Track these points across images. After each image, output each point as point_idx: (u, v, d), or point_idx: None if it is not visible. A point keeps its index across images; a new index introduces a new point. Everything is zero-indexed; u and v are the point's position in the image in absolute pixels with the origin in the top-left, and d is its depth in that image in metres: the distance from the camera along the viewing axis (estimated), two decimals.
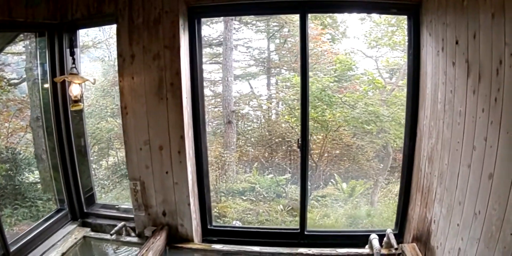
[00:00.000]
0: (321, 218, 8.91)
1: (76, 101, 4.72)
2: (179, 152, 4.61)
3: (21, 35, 5.58)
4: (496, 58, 2.52)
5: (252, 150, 10.97)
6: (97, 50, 10.67)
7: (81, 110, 5.31)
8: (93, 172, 6.03)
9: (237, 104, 11.48)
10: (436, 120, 3.69)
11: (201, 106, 4.85)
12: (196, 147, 4.90)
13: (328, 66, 10.24)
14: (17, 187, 6.58)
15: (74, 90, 4.66)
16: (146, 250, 4.28)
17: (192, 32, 4.66)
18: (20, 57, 6.92)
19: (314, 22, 10.44)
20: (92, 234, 5.25)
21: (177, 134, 4.57)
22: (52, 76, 5.06)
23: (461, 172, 3.10)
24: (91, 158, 6.40)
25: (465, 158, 3.01)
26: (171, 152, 4.64)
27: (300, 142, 4.69)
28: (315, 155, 10.32)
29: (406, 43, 4.57)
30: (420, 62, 4.15)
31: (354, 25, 10.64)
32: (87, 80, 4.71)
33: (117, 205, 5.58)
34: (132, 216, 5.09)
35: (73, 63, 4.77)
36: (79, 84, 4.67)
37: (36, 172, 6.97)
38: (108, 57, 10.68)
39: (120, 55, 4.61)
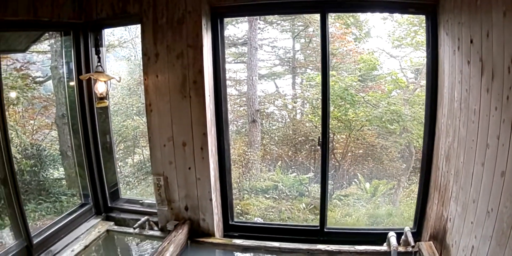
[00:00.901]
0: (342, 217, 8.91)
1: (102, 99, 4.81)
2: (202, 148, 4.70)
3: (46, 34, 5.67)
4: (508, 57, 2.55)
5: (276, 149, 10.98)
6: (123, 49, 10.79)
7: (107, 108, 5.41)
8: (118, 169, 6.13)
9: (262, 103, 11.50)
10: (453, 119, 3.71)
11: (224, 104, 4.92)
12: (219, 144, 4.98)
13: (353, 66, 10.24)
14: (41, 182, 6.70)
15: (99, 87, 4.75)
16: (168, 243, 4.38)
17: (215, 32, 4.73)
18: (45, 55, 7.04)
19: (338, 21, 10.45)
20: (116, 227, 5.36)
21: (200, 131, 4.66)
22: (78, 74, 5.16)
23: (475, 170, 3.12)
24: (117, 156, 6.49)
25: (479, 157, 3.03)
26: (194, 148, 4.73)
27: (321, 140, 4.75)
28: (338, 155, 10.31)
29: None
30: (438, 61, 4.17)
31: (377, 24, 10.67)
32: (113, 78, 4.80)
33: (141, 200, 5.67)
34: (155, 210, 5.19)
35: (99, 61, 4.85)
36: (104, 82, 4.76)
37: (61, 168, 7.08)
38: (134, 56, 10.78)
39: (144, 54, 4.72)
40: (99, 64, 4.82)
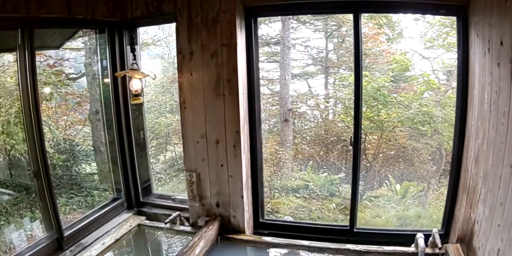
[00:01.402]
0: (372, 218, 8.87)
1: (137, 95, 4.88)
2: (235, 146, 4.75)
3: (80, 31, 5.77)
4: None
5: (308, 149, 10.96)
6: (156, 47, 10.87)
7: (141, 105, 5.49)
8: (150, 165, 6.23)
9: (295, 103, 11.49)
10: (482, 121, 3.68)
11: (257, 102, 4.95)
12: (251, 142, 5.02)
13: (385, 66, 10.18)
14: (73, 177, 6.81)
15: (134, 84, 4.82)
16: (199, 239, 4.43)
17: (248, 31, 4.77)
18: (78, 53, 7.16)
19: (371, 21, 10.41)
20: (147, 222, 5.44)
21: (233, 129, 4.71)
22: (112, 71, 5.26)
23: (504, 172, 3.09)
24: (150, 153, 6.58)
25: (508, 159, 3.01)
26: (227, 146, 4.79)
27: (352, 140, 4.77)
28: (369, 155, 10.26)
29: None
30: (469, 63, 4.12)
31: (409, 25, 10.58)
32: (148, 75, 4.86)
33: (173, 196, 5.74)
34: (187, 206, 5.25)
35: (134, 59, 4.91)
36: (139, 79, 4.83)
37: (94, 164, 7.20)
38: (168, 54, 10.87)
39: (179, 52, 4.78)
40: (134, 61, 4.88)
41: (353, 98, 4.76)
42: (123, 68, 5.25)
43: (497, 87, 3.25)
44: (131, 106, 5.47)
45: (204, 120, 4.81)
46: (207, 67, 4.67)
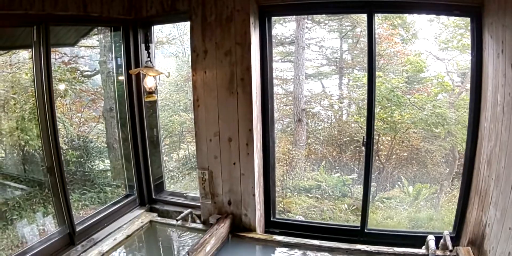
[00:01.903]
0: (384, 219, 8.86)
1: (151, 93, 4.90)
2: (247, 144, 4.76)
3: (95, 29, 5.82)
4: None
5: (321, 149, 10.96)
6: (171, 46, 10.92)
7: (155, 102, 5.53)
8: (163, 164, 6.27)
9: (308, 103, 11.49)
10: (495, 123, 3.66)
11: (270, 101, 4.97)
12: (264, 141, 5.03)
13: (400, 67, 10.14)
14: (86, 173, 6.86)
15: (149, 82, 4.84)
16: (209, 236, 4.45)
17: (263, 30, 4.78)
18: (93, 50, 7.21)
19: (385, 22, 10.37)
20: (159, 219, 5.47)
21: (246, 127, 4.72)
22: (127, 69, 5.30)
23: None
24: (163, 151, 6.62)
25: None
26: (240, 144, 4.80)
27: (365, 140, 4.76)
28: (382, 157, 10.25)
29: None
30: (483, 65, 4.09)
31: (423, 26, 10.52)
32: (162, 73, 4.87)
33: (185, 193, 5.78)
34: (199, 204, 5.29)
35: (148, 56, 4.92)
36: (153, 76, 4.85)
37: (107, 160, 7.25)
38: (182, 53, 10.91)
39: (193, 50, 4.80)
40: (148, 59, 4.90)
41: (366, 96, 4.76)
42: (137, 66, 5.28)
43: (510, 89, 3.25)
44: (145, 103, 5.51)
45: (217, 118, 4.83)
46: (221, 65, 4.69)
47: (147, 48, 4.99)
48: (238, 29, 4.58)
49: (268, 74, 4.89)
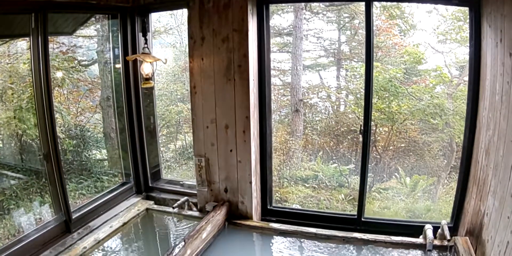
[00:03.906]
0: (381, 210, 8.87)
1: (147, 79, 4.89)
2: (244, 131, 4.75)
3: (93, 18, 5.79)
4: None
5: (318, 139, 10.96)
6: (168, 36, 10.91)
7: (152, 92, 5.54)
8: (161, 154, 6.28)
9: (306, 94, 11.45)
10: (494, 112, 3.64)
11: (267, 88, 4.95)
12: (261, 128, 5.01)
13: (398, 59, 10.10)
14: (83, 162, 6.85)
15: (145, 68, 4.83)
16: (206, 223, 4.45)
17: (260, 18, 4.76)
18: (91, 40, 7.19)
19: (384, 14, 10.32)
20: (155, 206, 5.49)
21: (243, 114, 4.71)
22: (124, 57, 5.29)
23: None
24: (160, 141, 6.63)
25: None
26: (236, 131, 4.79)
27: (362, 128, 4.74)
28: (379, 147, 10.23)
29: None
30: (481, 54, 4.09)
31: (422, 18, 10.47)
32: (159, 59, 4.85)
33: (182, 181, 5.78)
34: (195, 192, 5.29)
35: (145, 43, 4.93)
36: (150, 63, 4.83)
37: (104, 150, 7.25)
38: (180, 43, 10.90)
39: (191, 37, 4.78)
40: (145, 45, 4.89)
41: (364, 83, 4.74)
42: (135, 53, 5.27)
43: (509, 78, 3.23)
44: (142, 92, 5.53)
45: (214, 105, 4.81)
46: (218, 52, 4.67)
47: (144, 34, 4.99)
48: (236, 16, 4.55)
49: (266, 62, 4.87)
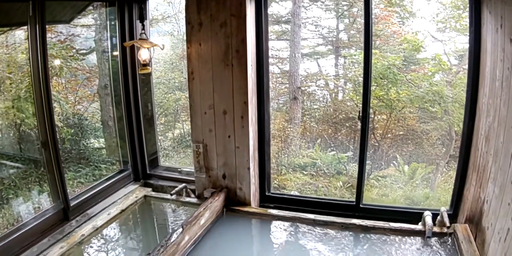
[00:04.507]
0: (379, 197, 8.89)
1: (145, 65, 4.89)
2: (242, 117, 4.73)
3: (90, 7, 5.76)
4: None
5: (316, 126, 10.94)
6: (166, 24, 10.87)
7: (149, 74, 5.52)
8: (159, 143, 6.29)
9: (304, 82, 11.42)
10: (494, 98, 3.62)
11: (265, 74, 4.93)
12: (259, 114, 5.00)
13: (396, 48, 10.06)
14: (81, 151, 6.84)
15: (143, 54, 4.82)
16: (204, 209, 4.45)
17: (258, 3, 4.73)
18: (89, 29, 7.16)
19: (383, 1, 10.27)
20: (153, 194, 5.48)
21: (241, 100, 4.69)
22: (121, 44, 5.27)
23: None
24: (158, 129, 6.63)
25: None
26: (234, 117, 4.77)
27: (361, 114, 4.72)
28: (378, 135, 10.22)
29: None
30: (481, 41, 4.06)
31: (421, 6, 10.39)
32: (156, 45, 4.84)
33: (180, 168, 5.78)
34: (193, 179, 5.27)
35: (143, 29, 4.90)
36: (148, 48, 4.82)
37: (102, 139, 7.24)
38: (177, 31, 10.88)
39: (188, 22, 4.74)
40: (143, 31, 4.87)
41: (362, 74, 4.71)
42: (132, 39, 5.23)
43: (509, 63, 3.20)
44: (140, 80, 5.52)
45: (212, 91, 4.79)
46: (216, 37, 4.64)
47: (142, 20, 4.95)
48: (234, 1, 4.52)
49: (264, 47, 4.85)
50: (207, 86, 4.80)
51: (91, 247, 4.38)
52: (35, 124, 4.78)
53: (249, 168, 4.89)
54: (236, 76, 4.65)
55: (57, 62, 6.72)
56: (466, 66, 4.57)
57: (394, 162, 10.02)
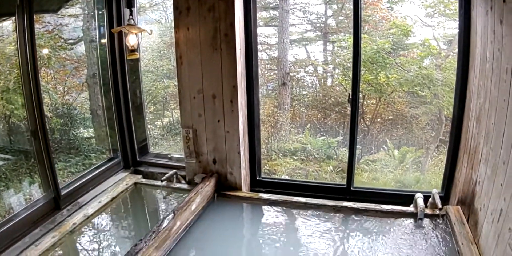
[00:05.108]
0: (370, 181, 8.92)
1: (133, 51, 4.85)
2: (231, 101, 4.71)
3: None
4: None
5: (306, 111, 10.94)
6: (153, 12, 10.81)
7: (138, 60, 5.48)
8: (148, 132, 6.29)
9: (293, 68, 11.40)
10: (484, 80, 3.63)
11: (254, 57, 4.91)
12: (248, 98, 4.99)
13: (385, 33, 10.05)
14: (71, 141, 6.81)
15: (131, 40, 4.79)
16: (195, 194, 4.44)
17: None
18: (76, 19, 7.11)
19: None
20: (143, 180, 5.49)
21: (230, 83, 4.67)
22: (109, 31, 5.27)
23: (507, 130, 3.04)
24: (147, 118, 6.62)
25: (511, 116, 2.96)
26: (224, 101, 4.75)
27: (350, 97, 4.71)
28: (367, 119, 10.23)
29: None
30: (471, 23, 4.08)
31: None
32: (144, 30, 4.81)
33: (170, 155, 5.77)
34: (183, 165, 5.27)
35: (130, 14, 4.87)
36: (135, 34, 4.79)
37: (91, 129, 7.22)
38: (165, 19, 10.83)
39: (176, 7, 4.71)
40: (131, 17, 4.83)
41: (352, 57, 4.71)
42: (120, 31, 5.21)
43: (500, 45, 3.20)
44: (128, 68, 5.52)
45: (200, 75, 4.76)
46: (204, 21, 4.60)
47: (130, 5, 4.91)
48: None
49: (252, 31, 4.83)
50: (195, 70, 4.77)
51: (83, 235, 4.37)
52: (24, 115, 4.75)
53: (239, 153, 4.89)
54: (225, 60, 4.62)
55: (45, 51, 6.68)
56: (456, 50, 4.58)
57: (384, 146, 10.05)
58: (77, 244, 4.28)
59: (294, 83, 11.21)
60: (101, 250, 4.24)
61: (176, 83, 5.18)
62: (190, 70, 4.80)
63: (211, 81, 4.74)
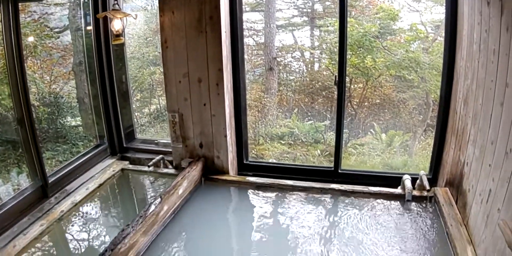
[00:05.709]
0: (357, 164, 8.94)
1: (118, 36, 4.85)
2: (217, 84, 4.69)
3: None
4: None
5: (293, 95, 10.94)
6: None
7: (123, 45, 5.49)
8: (135, 119, 6.29)
9: (280, 54, 11.39)
10: (471, 61, 3.64)
11: (240, 40, 4.88)
12: (235, 82, 4.96)
13: (371, 17, 10.04)
14: (59, 130, 6.80)
15: (116, 25, 4.77)
16: (182, 178, 4.45)
17: None
18: (62, 7, 7.08)
19: None
20: (131, 166, 5.48)
21: (216, 67, 4.64)
22: (95, 17, 5.21)
23: (494, 111, 3.04)
24: (134, 106, 6.61)
25: (498, 97, 2.95)
26: (210, 84, 4.72)
27: (337, 79, 4.71)
28: (354, 103, 10.23)
29: None
30: (457, 5, 4.08)
31: None
32: (129, 15, 4.78)
33: (156, 140, 5.77)
34: (170, 150, 5.25)
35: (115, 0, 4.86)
36: (120, 18, 4.76)
37: (78, 117, 7.21)
38: (151, 6, 10.78)
39: None
40: (116, 2, 4.79)
41: (338, 40, 4.70)
42: (105, 18, 5.17)
43: (487, 26, 3.20)
44: (114, 56, 5.48)
45: (186, 59, 4.73)
46: (189, 4, 4.56)
47: None
48: None
49: (238, 13, 4.80)
50: (181, 54, 4.73)
51: (71, 223, 4.37)
52: (11, 105, 4.72)
53: (226, 136, 4.88)
54: (210, 43, 4.59)
55: (31, 39, 6.65)
56: (443, 34, 4.58)
57: (371, 130, 10.07)
58: (66, 232, 4.27)
59: (281, 68, 11.20)
60: (89, 236, 4.23)
61: (162, 70, 5.15)
62: (175, 54, 4.76)
63: (196, 64, 4.71)
